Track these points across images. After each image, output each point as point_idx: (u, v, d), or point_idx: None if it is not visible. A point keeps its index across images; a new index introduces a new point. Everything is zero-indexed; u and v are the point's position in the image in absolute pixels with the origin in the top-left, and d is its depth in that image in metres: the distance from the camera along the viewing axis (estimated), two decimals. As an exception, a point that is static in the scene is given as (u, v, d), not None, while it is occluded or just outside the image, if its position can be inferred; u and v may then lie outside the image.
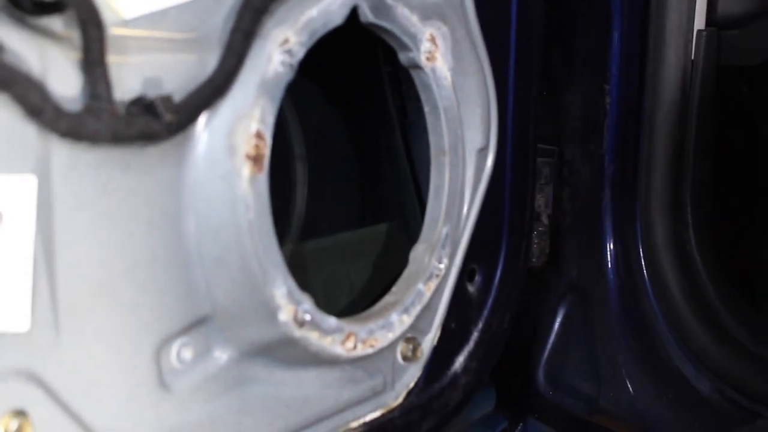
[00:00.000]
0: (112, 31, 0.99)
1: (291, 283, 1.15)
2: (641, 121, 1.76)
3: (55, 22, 0.95)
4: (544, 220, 1.82)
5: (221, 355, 1.17)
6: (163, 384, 1.10)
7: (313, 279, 1.51)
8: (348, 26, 1.21)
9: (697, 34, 1.71)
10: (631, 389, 1.79)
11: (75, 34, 0.95)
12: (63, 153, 0.95)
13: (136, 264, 1.05)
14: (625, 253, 1.80)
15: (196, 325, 1.13)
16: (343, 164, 1.64)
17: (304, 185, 1.58)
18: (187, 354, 1.13)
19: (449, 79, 1.36)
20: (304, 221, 1.57)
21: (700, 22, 1.72)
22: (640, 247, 1.79)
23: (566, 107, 1.80)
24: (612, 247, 1.80)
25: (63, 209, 0.97)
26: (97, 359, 1.03)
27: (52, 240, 0.96)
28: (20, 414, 0.96)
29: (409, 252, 1.40)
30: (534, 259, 1.78)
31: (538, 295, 1.87)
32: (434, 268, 1.38)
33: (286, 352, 1.20)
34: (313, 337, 1.19)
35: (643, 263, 1.79)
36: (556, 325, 1.86)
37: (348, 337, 1.25)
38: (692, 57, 1.72)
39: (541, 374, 1.87)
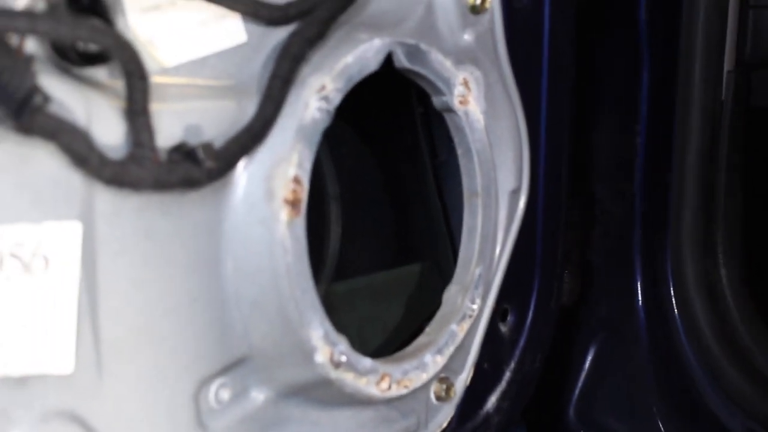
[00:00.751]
0: (154, 79, 1.01)
1: (327, 325, 1.17)
2: (671, 161, 1.77)
3: (99, 72, 0.97)
4: (575, 258, 1.83)
5: (258, 396, 1.18)
6: (201, 424, 1.12)
7: (346, 319, 1.52)
8: (382, 68, 1.24)
9: (726, 75, 1.73)
10: (662, 428, 1.79)
11: (119, 84, 0.97)
12: (107, 200, 0.98)
13: (176, 307, 1.07)
14: (655, 292, 1.80)
15: (233, 366, 1.14)
16: (376, 205, 1.65)
17: (338, 225, 1.59)
18: (225, 395, 1.14)
19: (482, 122, 1.38)
20: (338, 262, 1.59)
21: (729, 62, 1.73)
22: (671, 285, 1.80)
23: (597, 147, 1.81)
24: (642, 285, 1.81)
25: (106, 254, 0.99)
26: (138, 400, 1.05)
27: (95, 284, 0.98)
28: (63, 455, 0.98)
29: (442, 292, 1.41)
30: (565, 298, 1.79)
31: (570, 333, 1.87)
32: (467, 309, 1.39)
33: (321, 392, 1.21)
34: (348, 378, 1.20)
35: (673, 302, 1.80)
36: (587, 364, 1.87)
37: (383, 377, 1.26)
38: (722, 97, 1.73)
39: (572, 412, 1.88)
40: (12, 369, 0.93)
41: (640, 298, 1.81)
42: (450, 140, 1.40)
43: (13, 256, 0.91)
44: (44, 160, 0.92)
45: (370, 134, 1.64)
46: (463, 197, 1.41)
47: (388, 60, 1.25)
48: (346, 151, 1.60)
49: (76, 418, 0.99)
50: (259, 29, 1.13)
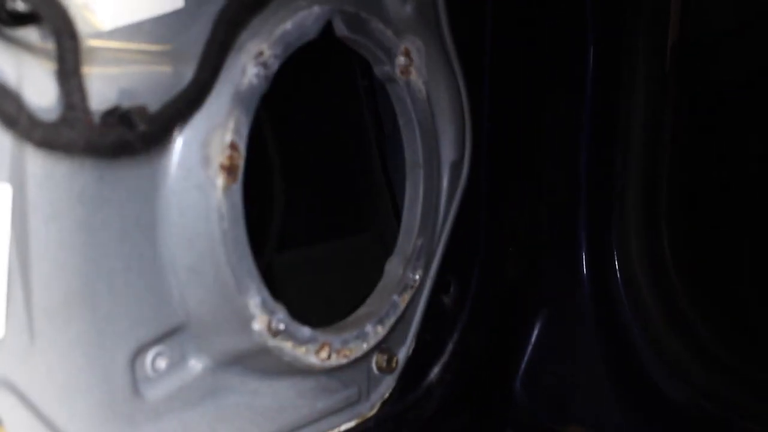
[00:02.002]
0: (88, 42, 1.00)
1: (265, 292, 1.16)
2: (617, 137, 1.77)
3: (31, 34, 0.96)
4: (522, 234, 1.83)
5: (196, 365, 1.18)
6: (137, 392, 1.11)
7: (289, 290, 1.52)
8: (324, 38, 1.23)
9: (670, 49, 1.73)
10: (606, 401, 1.80)
11: (50, 45, 0.96)
12: (38, 162, 0.96)
13: (111, 273, 1.06)
14: (601, 267, 1.81)
15: (170, 334, 1.14)
16: (320, 176, 1.64)
17: (281, 197, 1.58)
18: (162, 363, 1.14)
19: (424, 92, 1.38)
20: (281, 233, 1.58)
21: (673, 36, 1.74)
22: (616, 261, 1.81)
23: (543, 123, 1.82)
24: (588, 261, 1.82)
25: (38, 218, 0.98)
26: (71, 367, 1.04)
27: (26, 248, 0.97)
28: (-6, 420, 0.97)
29: (385, 264, 1.41)
30: (511, 273, 1.79)
31: (516, 308, 1.88)
32: (409, 280, 1.40)
33: (260, 361, 1.21)
34: (287, 346, 1.20)
35: (619, 277, 1.81)
36: (533, 338, 1.87)
37: (322, 346, 1.26)
38: (665, 73, 1.74)
39: (518, 386, 1.88)
40: (-60, 332, 0.92)
41: (585, 274, 1.82)
42: (395, 113, 1.40)
43: (-60, 217, 0.90)
44: (-29, 121, 0.91)
45: (315, 107, 1.63)
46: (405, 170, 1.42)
47: (330, 28, 1.25)
48: (290, 124, 1.59)
49: (6, 384, 0.98)
50: (197, -6, 1.13)
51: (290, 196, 1.53)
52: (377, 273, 1.42)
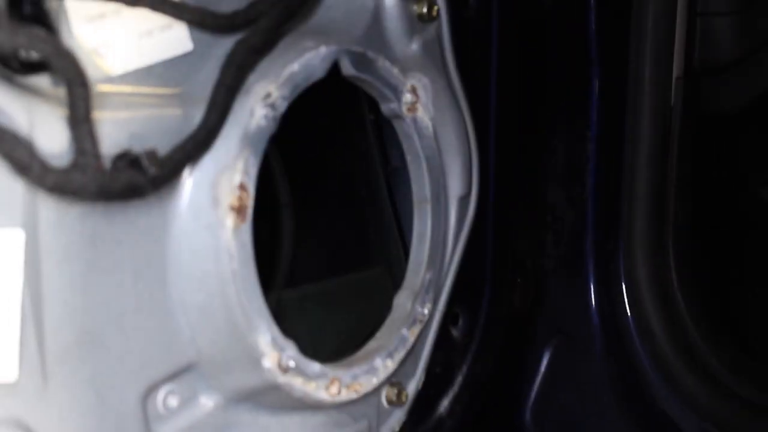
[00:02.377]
0: (98, 88, 1.02)
1: (275, 330, 1.18)
2: (622, 167, 1.78)
3: (42, 80, 0.98)
4: (528, 264, 1.85)
5: (207, 402, 1.19)
6: (149, 431, 1.12)
7: (299, 326, 1.53)
8: (331, 75, 1.25)
9: (675, 82, 1.75)
10: (617, 430, 1.80)
11: (61, 92, 0.98)
12: (50, 207, 0.98)
13: (122, 313, 1.07)
14: (608, 296, 1.82)
15: (181, 372, 1.15)
16: (328, 211, 1.66)
17: (290, 232, 1.60)
18: (173, 401, 1.15)
19: (431, 129, 1.39)
20: (290, 268, 1.60)
21: (678, 69, 1.75)
22: (624, 289, 1.81)
23: (549, 153, 1.83)
24: (595, 289, 1.82)
25: (50, 261, 0.99)
26: (84, 407, 1.05)
27: (39, 291, 0.99)
28: (9, 462, 0.98)
29: (393, 298, 1.42)
30: (518, 303, 1.80)
31: (524, 338, 1.89)
32: (418, 314, 1.41)
33: (270, 398, 1.22)
34: (297, 382, 1.21)
35: (626, 305, 1.81)
36: (542, 368, 1.88)
37: (332, 382, 1.27)
38: (671, 103, 1.75)
39: (528, 416, 1.89)
40: (-45, 376, 0.94)
41: (593, 302, 1.82)
42: (401, 147, 1.42)
43: (-45, 263, 0.92)
44: (-15, 169, 0.93)
45: (323, 142, 1.65)
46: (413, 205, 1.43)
47: (337, 68, 1.26)
48: (299, 160, 1.61)
49: (21, 426, 0.99)
50: (205, 38, 1.14)
51: (300, 231, 1.55)
52: (386, 307, 1.43)
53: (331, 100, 1.49)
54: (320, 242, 1.65)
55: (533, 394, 1.89)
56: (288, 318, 1.52)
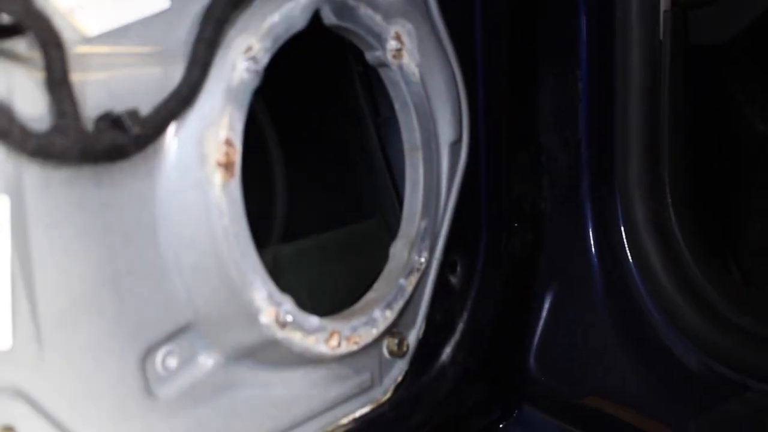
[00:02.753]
0: (76, 49, 1.01)
1: (270, 285, 1.17)
2: (614, 105, 1.77)
3: (17, 44, 0.96)
4: (526, 208, 1.84)
5: (206, 361, 1.19)
6: (149, 392, 1.12)
7: (296, 281, 1.53)
8: (315, 28, 1.23)
9: (663, 15, 1.72)
10: (620, 369, 1.80)
11: (38, 55, 0.97)
12: (34, 172, 0.97)
13: (115, 276, 1.06)
14: (607, 236, 1.81)
15: (179, 332, 1.15)
16: (320, 165, 1.65)
17: (283, 188, 1.59)
18: (172, 361, 1.15)
19: (417, 75, 1.38)
20: (285, 224, 1.59)
21: (665, 2, 1.73)
22: (622, 228, 1.80)
23: (539, 95, 1.81)
24: (594, 231, 1.82)
25: (38, 227, 0.98)
26: (82, 371, 1.05)
27: (29, 257, 0.98)
28: (8, 430, 0.98)
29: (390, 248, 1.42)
30: (518, 248, 1.80)
31: (525, 283, 1.88)
32: (414, 262, 1.40)
33: (270, 353, 1.22)
34: (296, 337, 1.21)
35: (625, 244, 1.80)
36: (544, 312, 1.88)
37: (331, 335, 1.26)
38: (660, 38, 1.73)
39: (532, 360, 1.89)
40: (-52, 347, 0.93)
41: (592, 244, 1.82)
42: (390, 97, 1.40)
43: (-59, 233, 0.91)
44: (-35, 136, 0.91)
45: (311, 96, 1.64)
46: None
47: (319, 19, 1.25)
48: (288, 115, 1.60)
49: (18, 393, 0.99)
50: (182, -6, 1.13)
51: (292, 186, 1.53)
52: (383, 258, 1.42)
53: (318, 54, 1.47)
54: (314, 196, 1.64)
55: (536, 339, 1.89)
56: (285, 274, 1.52)
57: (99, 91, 1.02)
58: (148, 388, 1.12)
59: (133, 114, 1.01)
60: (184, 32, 1.12)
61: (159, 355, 1.13)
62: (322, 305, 1.53)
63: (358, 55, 1.41)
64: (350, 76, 1.59)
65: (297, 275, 1.52)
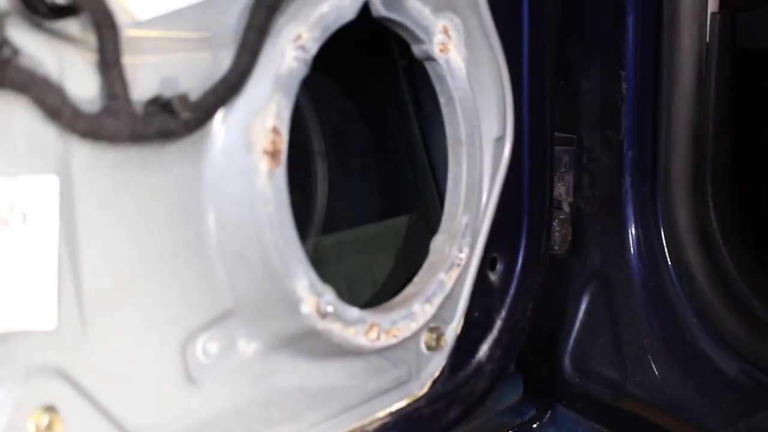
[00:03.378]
0: (127, 32, 1.01)
1: (312, 275, 1.17)
2: (659, 106, 1.76)
3: (71, 25, 0.97)
4: (566, 207, 1.83)
5: (246, 348, 1.19)
6: (189, 378, 1.12)
7: (335, 272, 1.53)
8: (362, 20, 1.23)
9: (711, 17, 1.71)
10: (657, 373, 1.79)
11: (91, 36, 0.97)
12: (83, 153, 0.97)
13: (159, 260, 1.07)
14: (647, 238, 1.80)
15: (220, 319, 1.15)
16: (362, 158, 1.65)
17: (324, 180, 1.59)
18: (213, 348, 1.15)
19: (463, 69, 1.37)
20: (326, 216, 1.59)
21: (713, 4, 1.72)
22: (662, 230, 1.79)
23: (583, 94, 1.80)
24: (634, 231, 1.80)
25: (85, 208, 0.99)
26: (123, 355, 1.05)
27: (75, 238, 0.98)
28: (50, 410, 0.98)
29: (430, 243, 1.41)
30: (557, 247, 1.79)
31: (562, 282, 1.87)
32: (455, 258, 1.39)
33: (310, 343, 1.22)
34: (336, 328, 1.21)
35: (665, 247, 1.79)
36: (581, 312, 1.87)
37: (371, 327, 1.26)
38: (707, 40, 1.72)
39: (567, 361, 1.88)
40: (-6, 325, 0.93)
41: (631, 245, 1.81)
42: (434, 92, 1.40)
43: (-10, 211, 0.91)
44: (17, 115, 0.92)
45: (355, 89, 1.63)
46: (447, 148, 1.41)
47: (367, 12, 1.24)
48: (331, 107, 1.60)
49: (61, 374, 0.99)
50: (233, -20, 1.13)
51: (334, 179, 1.53)
52: (422, 253, 1.41)
53: (363, 47, 1.47)
54: (354, 189, 1.63)
55: (571, 340, 1.88)
56: (325, 265, 1.51)
57: (149, 74, 1.03)
58: (188, 374, 1.12)
59: (183, 98, 1.01)
60: (233, 18, 1.12)
61: (200, 341, 1.13)
62: (360, 297, 1.53)
63: (403, 48, 1.40)
64: (395, 69, 1.58)
65: (336, 267, 1.52)
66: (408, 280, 1.40)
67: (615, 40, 1.74)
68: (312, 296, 1.17)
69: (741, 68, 1.77)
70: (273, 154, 1.10)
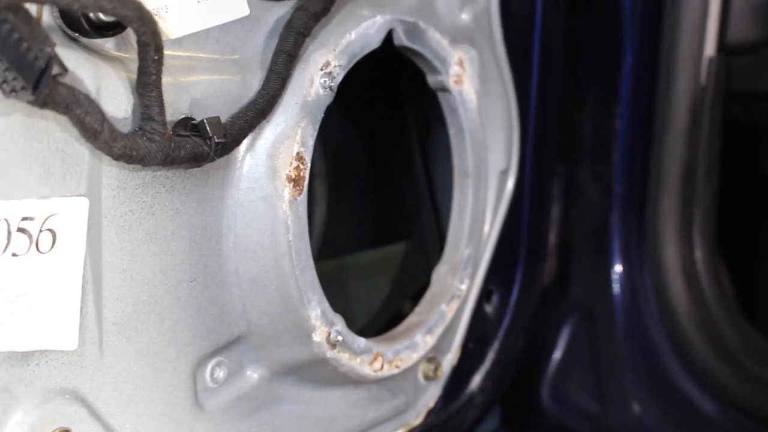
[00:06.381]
0: (161, 51, 0.99)
1: (325, 304, 1.16)
2: (651, 144, 1.78)
3: (107, 43, 0.95)
4: (552, 239, 1.84)
5: (253, 375, 1.18)
6: (197, 403, 1.11)
7: (332, 297, 1.52)
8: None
9: (707, 61, 1.74)
10: (635, 409, 1.81)
11: (126, 55, 0.96)
12: (113, 174, 0.96)
13: (178, 284, 1.05)
14: (631, 274, 1.82)
15: (230, 344, 1.14)
16: (362, 182, 1.64)
17: (324, 203, 1.58)
18: (221, 373, 1.14)
19: (475, 102, 1.37)
20: (323, 239, 1.58)
21: (710, 48, 1.74)
22: (647, 267, 1.81)
23: (576, 127, 1.82)
24: (619, 267, 1.82)
25: (111, 230, 0.97)
26: (137, 378, 1.03)
27: (99, 259, 0.97)
28: (65, 432, 0.96)
29: (426, 271, 1.41)
30: (545, 280, 1.80)
31: (544, 313, 1.88)
32: (456, 289, 1.39)
33: (316, 372, 1.21)
34: (343, 357, 1.20)
35: (649, 284, 1.81)
36: (561, 344, 1.88)
37: (376, 357, 1.26)
38: (702, 82, 1.74)
39: (545, 392, 1.89)
40: (17, 345, 0.91)
41: (616, 279, 1.82)
42: (437, 120, 1.39)
43: (21, 231, 0.89)
44: (54, 133, 0.90)
45: (358, 113, 1.63)
46: (449, 176, 1.41)
47: (389, 39, 1.24)
48: (333, 129, 1.59)
49: (77, 396, 0.97)
50: (261, 3, 1.12)
51: (333, 202, 1.53)
52: (418, 281, 1.41)
53: (369, 71, 1.46)
54: (353, 213, 1.62)
55: (551, 369, 1.89)
56: (326, 289, 1.51)
57: (178, 94, 1.01)
58: (196, 398, 1.11)
59: (215, 122, 1.00)
60: (261, 41, 1.11)
61: (209, 366, 1.12)
62: (356, 323, 1.52)
63: (411, 74, 1.39)
64: (399, 95, 1.58)
65: (332, 292, 1.51)
66: (402, 307, 1.40)
67: (611, 75, 1.76)
68: (324, 325, 1.16)
69: (735, 111, 1.80)
70: (296, 182, 1.10)
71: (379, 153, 1.64)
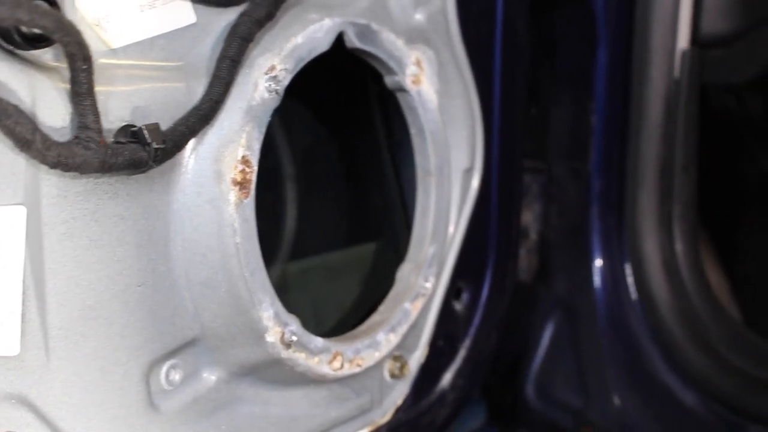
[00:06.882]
0: (100, 60, 1.01)
1: (278, 305, 1.17)
2: (627, 138, 1.78)
3: (44, 54, 0.97)
4: (533, 235, 1.84)
5: (209, 377, 1.19)
6: (152, 406, 1.12)
7: (302, 298, 1.53)
8: (335, 47, 1.23)
9: (681, 54, 1.74)
10: (618, 402, 1.81)
11: (64, 65, 0.97)
12: (52, 183, 0.97)
13: (125, 288, 1.07)
14: (612, 269, 1.82)
15: (184, 347, 1.15)
16: (332, 184, 1.65)
17: (294, 205, 1.60)
18: (176, 376, 1.15)
19: (435, 101, 1.38)
20: (294, 241, 1.59)
21: (683, 41, 1.74)
22: (628, 262, 1.81)
23: (553, 124, 1.82)
24: (599, 262, 1.83)
25: (52, 237, 0.99)
26: (86, 382, 1.04)
27: (42, 267, 0.98)
28: (11, 438, 0.98)
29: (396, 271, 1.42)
30: (523, 275, 1.80)
31: (527, 309, 1.89)
32: (421, 288, 1.40)
33: (273, 372, 1.22)
34: (300, 357, 1.21)
35: (630, 278, 1.81)
36: (545, 340, 1.88)
37: (335, 356, 1.27)
38: (676, 76, 1.74)
39: (530, 388, 1.89)
40: (-43, 352, 0.93)
41: (597, 275, 1.83)
42: (405, 120, 1.40)
43: (-43, 239, 0.91)
44: (-12, 144, 0.92)
45: (327, 114, 1.64)
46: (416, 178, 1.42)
47: (341, 40, 1.25)
48: (303, 132, 1.60)
49: (23, 402, 0.99)
50: (208, 10, 1.13)
51: (303, 204, 1.54)
52: (390, 280, 1.42)
53: (335, 72, 1.47)
54: (324, 215, 1.64)
55: (536, 366, 1.90)
56: (291, 292, 1.52)
57: (120, 103, 1.03)
58: (150, 401, 1.12)
59: (154, 128, 1.01)
60: (207, 48, 1.12)
61: (163, 369, 1.13)
62: (326, 323, 1.53)
63: (375, 75, 1.41)
64: (367, 96, 1.59)
65: (303, 292, 1.52)
66: (374, 306, 1.40)
67: (585, 72, 1.76)
68: (277, 326, 1.17)
69: (710, 103, 1.80)
70: (242, 185, 1.11)
71: (348, 154, 1.65)
